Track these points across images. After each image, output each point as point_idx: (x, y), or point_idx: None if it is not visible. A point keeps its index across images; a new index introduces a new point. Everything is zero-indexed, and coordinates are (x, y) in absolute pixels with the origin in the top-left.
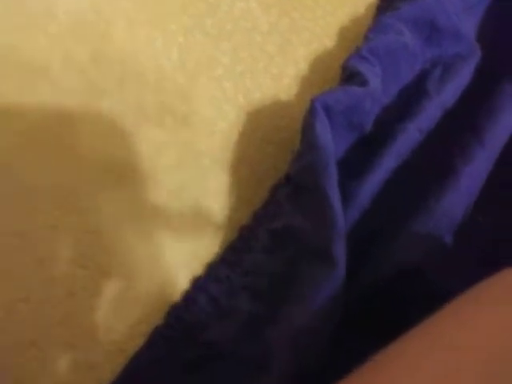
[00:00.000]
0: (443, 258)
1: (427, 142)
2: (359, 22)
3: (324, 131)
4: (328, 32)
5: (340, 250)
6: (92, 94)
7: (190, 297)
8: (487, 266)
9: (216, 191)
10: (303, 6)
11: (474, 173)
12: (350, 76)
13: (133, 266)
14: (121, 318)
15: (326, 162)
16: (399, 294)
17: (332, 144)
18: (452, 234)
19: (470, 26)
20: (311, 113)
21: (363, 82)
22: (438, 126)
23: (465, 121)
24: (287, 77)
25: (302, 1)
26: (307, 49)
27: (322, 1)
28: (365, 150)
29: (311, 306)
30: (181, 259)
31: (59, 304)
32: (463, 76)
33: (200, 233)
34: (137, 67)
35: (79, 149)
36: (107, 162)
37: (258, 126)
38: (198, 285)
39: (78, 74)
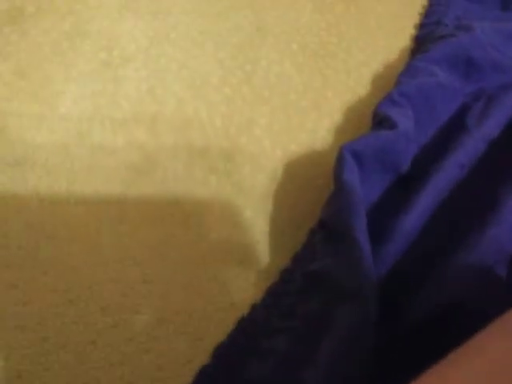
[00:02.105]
0: (497, 290)
1: (469, 177)
2: (392, 69)
3: (352, 177)
4: (361, 82)
5: (368, 291)
6: (146, 164)
7: (232, 337)
8: None
9: (259, 240)
10: (336, 59)
11: None
12: (380, 121)
13: (186, 309)
14: (172, 358)
15: (354, 205)
16: (445, 331)
17: (360, 188)
18: (505, 268)
19: None
20: (339, 160)
21: (392, 126)
22: (481, 159)
23: (509, 151)
24: (322, 129)
25: (334, 55)
26: (341, 100)
27: (354, 51)
28: (403, 189)
29: (342, 347)
30: (226, 302)
31: (120, 347)
32: (507, 108)
33: (245, 278)
34: (185, 136)
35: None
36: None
37: (295, 175)
38: (240, 326)
39: (138, 149)
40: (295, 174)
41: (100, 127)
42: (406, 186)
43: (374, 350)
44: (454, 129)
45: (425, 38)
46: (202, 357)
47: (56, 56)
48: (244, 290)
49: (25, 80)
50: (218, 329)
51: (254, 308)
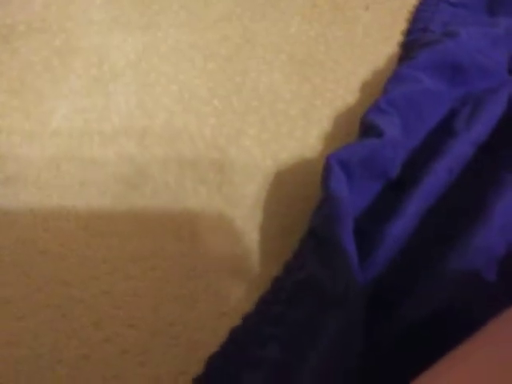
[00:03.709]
0: (486, 296)
1: (458, 181)
2: (381, 76)
3: (338, 185)
4: (350, 89)
5: (355, 297)
6: (137, 176)
7: (224, 347)
8: None
9: (250, 249)
10: (325, 68)
11: (508, 208)
12: (367, 129)
13: (179, 321)
14: (167, 369)
15: (341, 214)
16: (434, 335)
17: (347, 197)
18: (494, 271)
19: (499, 57)
20: (326, 169)
21: (379, 133)
22: (469, 162)
23: (497, 154)
24: (311, 137)
25: (323, 64)
26: (330, 109)
27: (342, 60)
28: (392, 195)
29: (331, 353)
30: (218, 312)
31: (114, 360)
32: (495, 109)
33: (237, 288)
34: (175, 149)
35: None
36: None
37: (286, 184)
38: (232, 335)
39: (128, 162)
40: (285, 182)
41: (90, 142)
42: (394, 191)
43: (363, 355)
44: (442, 133)
45: (412, 44)
46: (196, 368)
47: (47, 73)
48: (236, 300)
49: (17, 98)
50: (212, 339)
51: (246, 317)
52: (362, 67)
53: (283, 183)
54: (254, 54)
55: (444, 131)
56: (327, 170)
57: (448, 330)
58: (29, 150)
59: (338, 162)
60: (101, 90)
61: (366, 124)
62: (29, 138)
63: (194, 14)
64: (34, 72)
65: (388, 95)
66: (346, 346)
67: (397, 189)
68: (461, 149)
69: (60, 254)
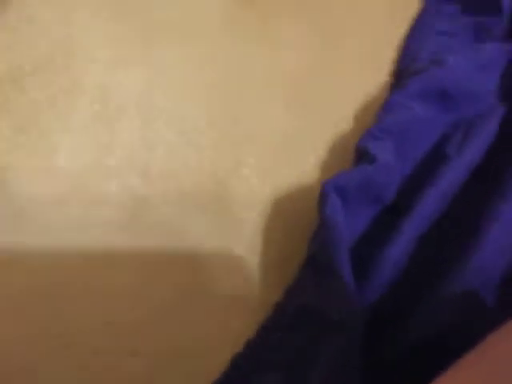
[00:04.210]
0: (484, 317)
1: (452, 205)
2: (374, 104)
3: (334, 212)
4: (345, 118)
5: (352, 322)
6: (139, 207)
7: (225, 374)
8: None
9: (250, 276)
10: (319, 97)
11: (501, 230)
12: (361, 156)
13: (181, 349)
14: None
15: (337, 240)
16: (433, 359)
17: (343, 223)
18: (493, 293)
19: (487, 83)
20: (321, 196)
21: (372, 160)
22: (463, 187)
23: (489, 178)
24: (308, 164)
25: (317, 93)
26: (326, 136)
27: (336, 89)
28: (388, 220)
29: (332, 378)
30: (220, 339)
31: None
32: (486, 135)
33: (238, 315)
34: (177, 184)
35: None
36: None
37: (284, 211)
38: (233, 362)
39: (130, 196)
40: (284, 209)
41: (95, 177)
42: (391, 217)
43: (363, 379)
44: (435, 159)
45: (402, 73)
46: None
47: (53, 111)
48: (238, 327)
49: (23, 135)
50: (214, 367)
51: (248, 344)
52: (356, 95)
53: (282, 211)
54: (250, 85)
55: (437, 156)
56: (323, 197)
57: (448, 352)
58: (35, 187)
59: (334, 189)
60: (105, 126)
61: (359, 151)
62: (35, 175)
63: (193, 49)
64: (40, 110)
65: (381, 123)
66: (346, 373)
67: (392, 213)
68: (454, 174)
69: (61, 285)
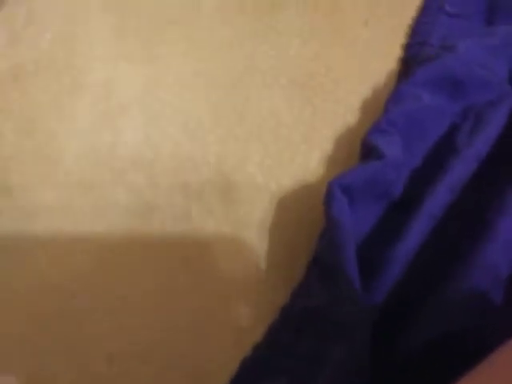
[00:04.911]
0: (493, 316)
1: (461, 199)
2: (381, 94)
3: (340, 212)
4: (351, 109)
5: (360, 324)
6: (147, 210)
7: (234, 379)
8: None
9: (257, 276)
10: (324, 90)
11: (511, 223)
12: (368, 151)
13: (191, 353)
14: None
15: (343, 241)
16: (444, 359)
17: (349, 223)
18: (502, 290)
19: (499, 69)
20: (327, 196)
21: (380, 156)
22: (472, 179)
23: (500, 168)
24: (313, 161)
25: (323, 85)
26: (331, 130)
27: (342, 80)
28: (396, 217)
29: (339, 382)
30: (229, 342)
31: None
32: (496, 124)
33: (247, 316)
34: (181, 178)
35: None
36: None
37: (290, 208)
38: (242, 366)
39: (136, 196)
40: (290, 207)
41: (101, 178)
42: (398, 213)
43: (371, 382)
44: (444, 150)
45: (411, 60)
46: None
47: (56, 111)
48: (246, 329)
49: (28, 138)
50: (223, 371)
51: (256, 347)
52: (363, 85)
53: (287, 208)
54: (254, 79)
55: (446, 148)
56: (329, 198)
57: (458, 352)
58: (41, 190)
59: (340, 188)
60: (109, 125)
61: (366, 146)
62: (40, 178)
63: (195, 44)
64: (43, 111)
65: (388, 115)
66: (353, 375)
67: (400, 210)
68: (463, 166)
69: (71, 290)
